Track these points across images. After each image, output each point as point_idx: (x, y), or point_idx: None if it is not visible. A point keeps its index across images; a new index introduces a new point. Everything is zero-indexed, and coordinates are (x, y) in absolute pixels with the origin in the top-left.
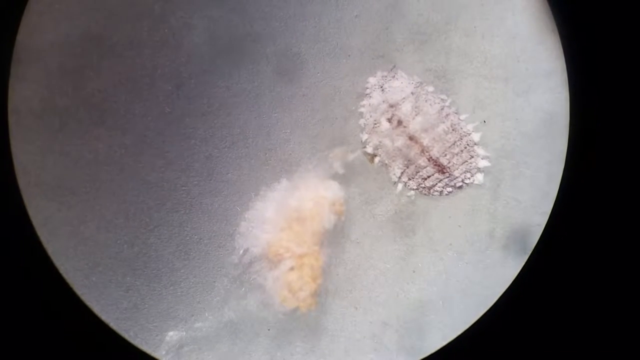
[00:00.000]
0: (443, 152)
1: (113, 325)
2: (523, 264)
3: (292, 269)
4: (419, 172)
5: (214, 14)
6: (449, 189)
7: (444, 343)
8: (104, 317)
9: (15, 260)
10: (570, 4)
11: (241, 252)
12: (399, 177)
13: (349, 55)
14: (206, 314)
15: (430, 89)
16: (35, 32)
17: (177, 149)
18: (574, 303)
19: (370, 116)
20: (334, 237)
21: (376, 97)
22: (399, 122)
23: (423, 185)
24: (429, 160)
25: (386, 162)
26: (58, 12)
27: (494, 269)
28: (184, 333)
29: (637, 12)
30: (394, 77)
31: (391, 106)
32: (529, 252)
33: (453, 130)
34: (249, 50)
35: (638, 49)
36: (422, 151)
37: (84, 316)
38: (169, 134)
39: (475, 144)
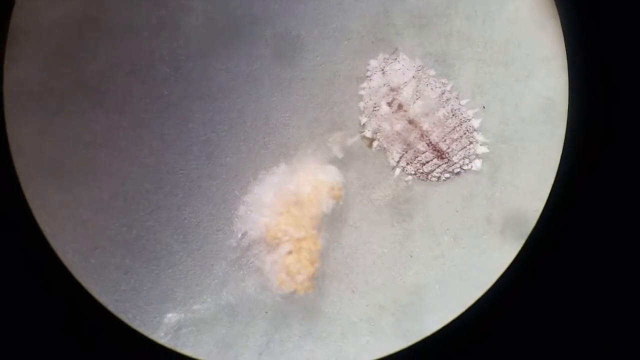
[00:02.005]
0: (442, 137)
1: (112, 307)
2: (519, 248)
3: (290, 252)
4: (417, 157)
5: None
6: (447, 175)
7: (440, 326)
8: (102, 299)
9: (12, 244)
10: None
11: (239, 235)
12: (397, 162)
13: (349, 39)
14: (204, 297)
15: (432, 72)
16: (33, 14)
17: (175, 132)
18: (569, 288)
19: (370, 99)
20: (332, 221)
21: (377, 80)
22: (400, 106)
23: (421, 171)
24: (428, 145)
25: (385, 146)
26: None
27: (491, 253)
28: (183, 315)
29: None
30: (395, 59)
31: (392, 90)
32: (525, 237)
33: (453, 115)
34: (247, 32)
35: (639, 34)
36: (422, 136)
37: (81, 298)
38: (167, 116)
39: (474, 130)
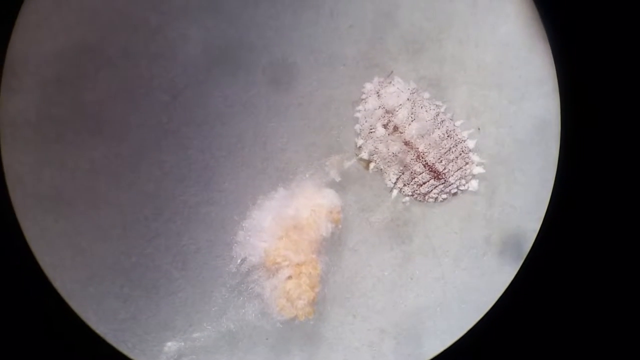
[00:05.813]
0: (439, 158)
1: (111, 336)
2: (517, 269)
3: (290, 277)
4: (414, 178)
5: (209, 25)
6: (444, 196)
7: (441, 349)
8: (101, 328)
9: (8, 274)
10: (560, 12)
11: (239, 261)
12: (395, 183)
13: (344, 65)
14: (204, 324)
15: (426, 95)
16: (32, 44)
17: (174, 159)
18: (568, 307)
19: (366, 121)
20: (331, 245)
21: (372, 103)
22: (395, 128)
23: (418, 192)
24: (424, 166)
25: (381, 167)
26: (54, 23)
27: (491, 275)
28: (183, 343)
29: (624, 19)
30: (390, 82)
31: (387, 112)
32: (524, 257)
33: (448, 136)
34: (244, 60)
35: (626, 54)
36: (418, 157)
37: (79, 329)
38: (166, 144)
39: (470, 150)
